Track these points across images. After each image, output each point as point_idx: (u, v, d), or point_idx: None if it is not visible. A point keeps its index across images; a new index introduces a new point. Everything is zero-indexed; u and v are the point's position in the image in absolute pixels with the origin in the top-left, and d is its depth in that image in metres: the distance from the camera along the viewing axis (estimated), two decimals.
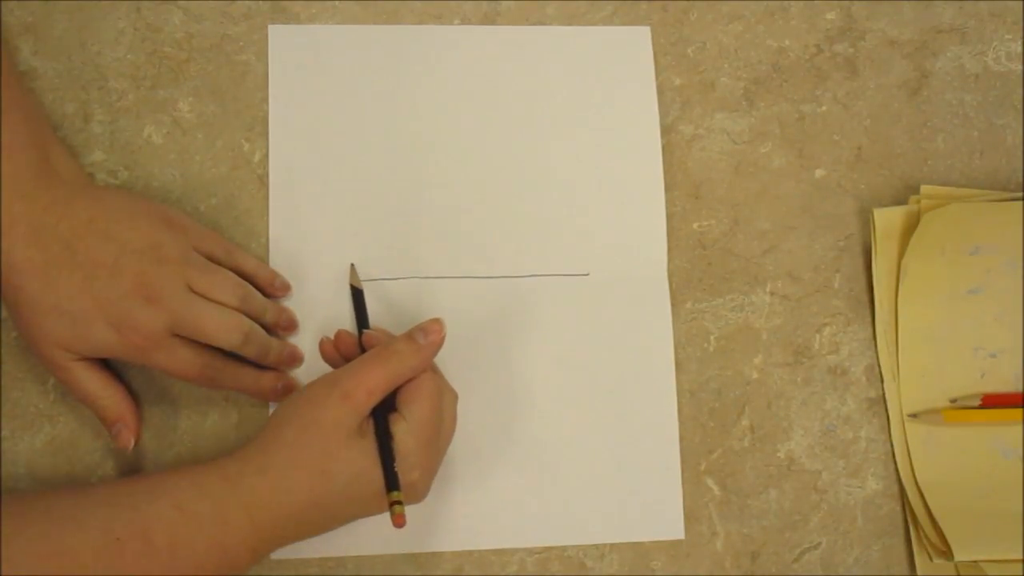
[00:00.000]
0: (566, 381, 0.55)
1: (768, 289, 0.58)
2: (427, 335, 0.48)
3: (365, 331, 0.52)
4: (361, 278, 0.55)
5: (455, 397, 0.51)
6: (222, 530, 0.44)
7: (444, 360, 0.53)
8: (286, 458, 0.46)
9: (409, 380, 0.48)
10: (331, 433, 0.46)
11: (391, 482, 0.46)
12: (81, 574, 0.42)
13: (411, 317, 0.54)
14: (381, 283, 0.55)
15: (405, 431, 0.47)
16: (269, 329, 0.52)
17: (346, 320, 0.54)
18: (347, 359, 0.52)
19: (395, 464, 0.46)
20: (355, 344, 0.52)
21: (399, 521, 0.46)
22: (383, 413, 0.48)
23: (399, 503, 0.46)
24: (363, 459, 0.46)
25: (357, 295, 0.54)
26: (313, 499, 0.46)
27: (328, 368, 0.53)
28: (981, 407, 0.56)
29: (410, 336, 0.48)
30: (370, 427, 0.47)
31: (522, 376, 0.55)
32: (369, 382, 0.47)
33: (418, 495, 0.49)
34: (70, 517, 0.43)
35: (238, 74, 0.57)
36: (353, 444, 0.46)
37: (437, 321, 0.49)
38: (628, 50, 0.59)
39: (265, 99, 0.56)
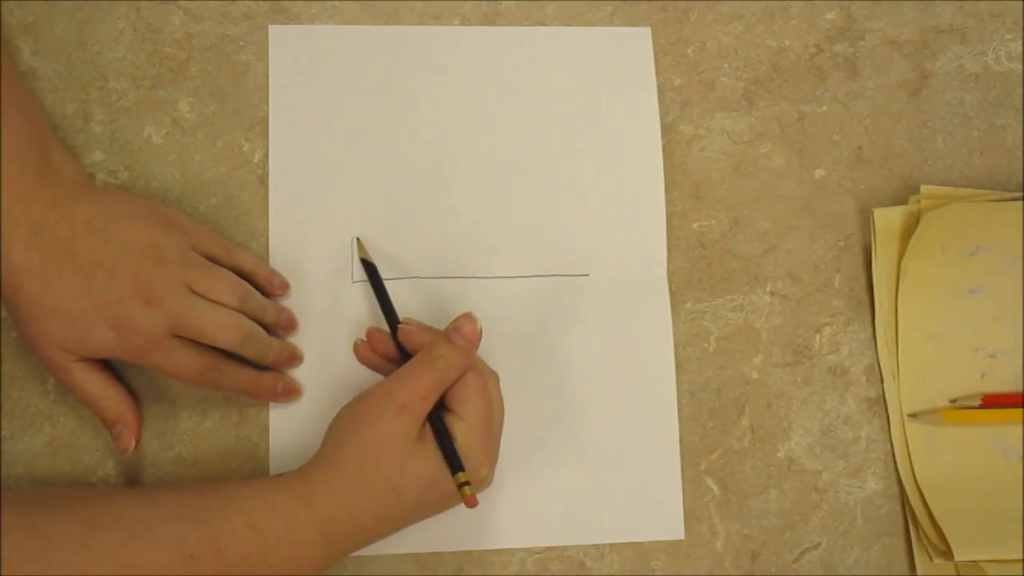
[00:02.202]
0: (566, 381, 0.55)
1: (768, 289, 0.58)
2: (463, 334, 0.48)
3: (400, 326, 0.51)
4: (361, 278, 0.55)
5: (497, 378, 0.51)
6: (294, 549, 0.45)
7: None
8: (354, 479, 0.46)
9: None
10: (394, 449, 0.46)
11: (454, 464, 0.47)
12: None
13: (413, 318, 0.54)
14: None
15: (465, 431, 0.48)
16: (269, 329, 0.52)
17: (347, 319, 0.54)
18: (386, 357, 0.53)
19: (464, 463, 0.47)
20: (390, 341, 0.52)
21: (471, 501, 0.46)
22: (436, 410, 0.48)
23: (467, 484, 0.46)
24: (430, 465, 0.47)
25: (371, 270, 0.53)
26: (386, 514, 0.47)
27: (363, 370, 0.53)
28: (981, 407, 0.56)
29: (449, 338, 0.48)
30: (429, 432, 0.48)
31: (522, 377, 0.55)
32: (421, 390, 0.47)
33: (487, 485, 0.50)
34: (144, 529, 0.43)
35: (238, 74, 0.57)
36: (417, 453, 0.47)
37: (468, 317, 0.48)
38: (628, 50, 0.59)
39: (265, 99, 0.56)
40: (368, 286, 0.54)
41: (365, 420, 0.47)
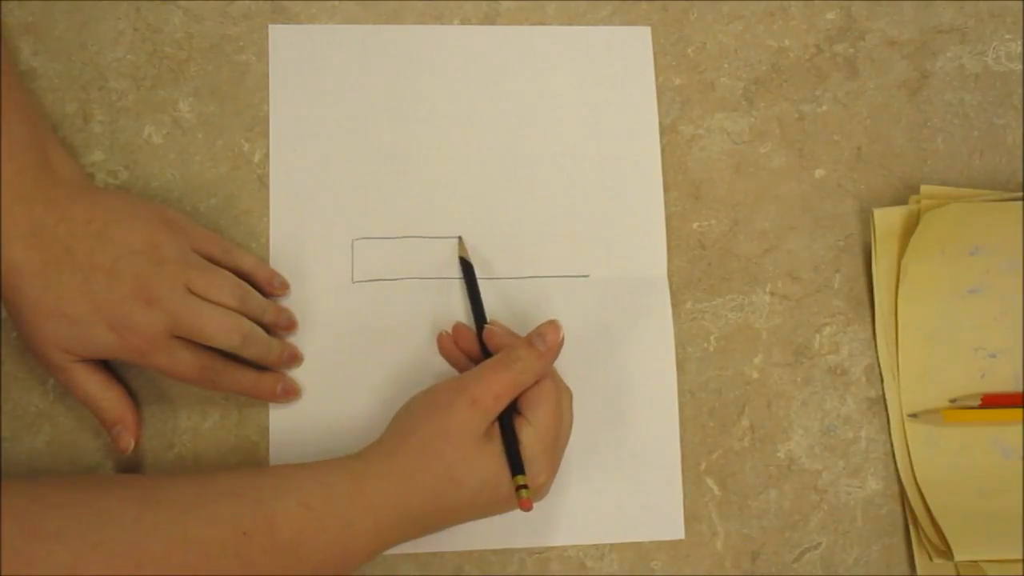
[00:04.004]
0: (566, 382, 0.55)
1: (768, 289, 0.58)
2: (545, 340, 0.48)
3: (486, 327, 0.52)
4: (361, 279, 0.55)
5: (571, 396, 0.51)
6: (347, 531, 0.45)
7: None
8: (414, 463, 0.46)
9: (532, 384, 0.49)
10: (460, 440, 0.46)
11: (516, 467, 0.47)
12: (208, 563, 0.41)
13: (413, 318, 0.54)
14: (381, 283, 0.55)
15: (532, 436, 0.48)
16: (268, 329, 0.52)
17: (347, 319, 0.54)
18: (467, 354, 0.53)
19: (525, 468, 0.47)
20: (474, 338, 0.52)
21: (526, 505, 0.46)
22: (507, 412, 0.48)
23: (525, 487, 0.46)
24: (492, 464, 0.47)
25: (468, 269, 0.54)
26: (440, 504, 0.46)
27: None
28: (981, 407, 0.56)
29: (530, 342, 0.48)
30: (496, 431, 0.48)
31: None
32: (496, 388, 0.47)
33: (543, 495, 0.50)
34: (197, 506, 0.43)
35: (238, 74, 0.57)
36: (482, 450, 0.46)
37: (554, 325, 0.49)
38: (628, 50, 0.59)
39: (265, 99, 0.56)
40: (368, 286, 0.54)
41: (435, 408, 0.47)
